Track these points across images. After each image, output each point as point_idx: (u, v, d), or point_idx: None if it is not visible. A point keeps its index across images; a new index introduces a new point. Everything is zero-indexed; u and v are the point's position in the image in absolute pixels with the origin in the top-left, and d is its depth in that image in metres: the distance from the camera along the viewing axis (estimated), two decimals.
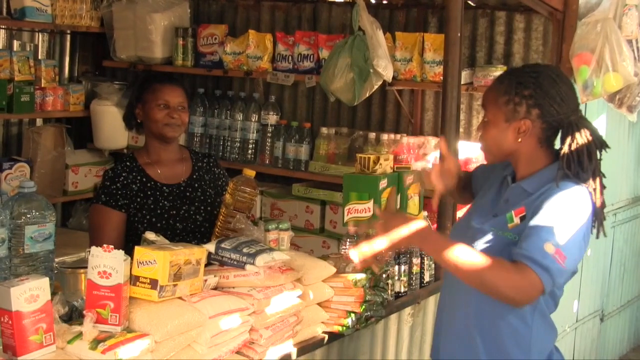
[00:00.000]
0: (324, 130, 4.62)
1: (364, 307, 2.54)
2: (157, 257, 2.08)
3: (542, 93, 2.13)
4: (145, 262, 2.09)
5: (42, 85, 4.86)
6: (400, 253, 2.91)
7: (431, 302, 3.06)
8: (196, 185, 3.07)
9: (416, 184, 3.01)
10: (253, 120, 4.85)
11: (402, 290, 2.93)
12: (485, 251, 2.10)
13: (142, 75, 4.99)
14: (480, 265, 2.01)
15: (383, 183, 2.85)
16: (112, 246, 2.05)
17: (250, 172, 2.74)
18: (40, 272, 2.36)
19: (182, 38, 5.00)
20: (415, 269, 2.99)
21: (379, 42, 3.88)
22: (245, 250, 2.32)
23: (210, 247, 2.35)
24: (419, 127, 4.54)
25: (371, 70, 3.88)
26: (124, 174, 2.99)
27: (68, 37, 5.50)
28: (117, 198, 2.96)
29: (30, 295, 1.86)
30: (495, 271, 2.00)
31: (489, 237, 2.18)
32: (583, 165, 2.10)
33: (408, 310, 2.98)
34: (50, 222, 2.48)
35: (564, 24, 3.92)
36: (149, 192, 2.99)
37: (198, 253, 2.21)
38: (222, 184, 3.14)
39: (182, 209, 3.00)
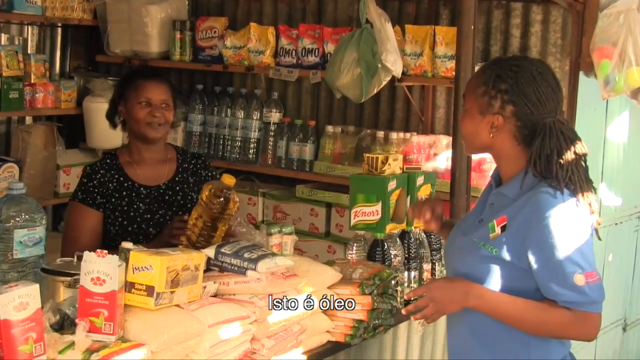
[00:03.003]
0: (330, 128, 4.60)
1: (371, 315, 2.51)
2: (154, 263, 2.06)
3: (518, 90, 2.14)
4: (141, 267, 2.07)
5: (32, 82, 4.84)
6: (410, 258, 2.90)
7: None
8: (177, 188, 3.05)
9: (427, 186, 2.98)
10: (255, 118, 4.83)
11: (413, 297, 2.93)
12: (464, 267, 2.24)
13: (126, 71, 4.97)
14: (541, 324, 2.14)
15: (392, 184, 2.83)
16: (106, 251, 2.04)
17: (229, 180, 2.64)
18: (30, 278, 2.35)
19: (180, 31, 4.98)
20: (426, 274, 2.98)
21: (388, 35, 3.86)
22: (246, 255, 2.30)
23: (210, 252, 2.33)
24: (430, 125, 4.51)
25: (379, 66, 3.87)
26: (101, 172, 3.00)
27: (59, 30, 5.50)
28: (94, 196, 2.97)
29: (20, 302, 1.85)
30: (557, 327, 2.14)
31: (471, 250, 2.23)
32: (551, 169, 2.12)
33: None
34: (41, 225, 2.46)
35: (584, 16, 3.85)
36: (124, 193, 2.99)
37: (197, 258, 2.19)
38: None
39: (157, 213, 2.99)
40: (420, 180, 2.97)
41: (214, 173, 3.19)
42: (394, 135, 4.37)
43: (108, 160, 3.05)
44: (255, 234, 2.51)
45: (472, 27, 3.17)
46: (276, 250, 2.50)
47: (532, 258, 2.11)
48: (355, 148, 4.53)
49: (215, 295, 2.30)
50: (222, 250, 2.34)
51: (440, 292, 2.19)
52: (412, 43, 4.22)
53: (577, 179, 2.13)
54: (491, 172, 2.42)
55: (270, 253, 2.39)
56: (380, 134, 4.42)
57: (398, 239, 2.89)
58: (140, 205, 2.98)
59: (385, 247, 2.79)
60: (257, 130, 4.83)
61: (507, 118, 2.15)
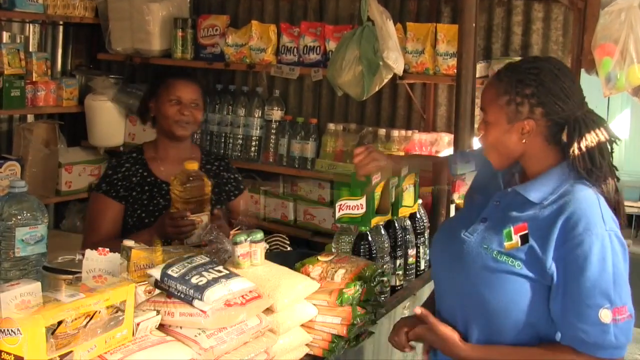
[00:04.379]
0: (331, 126, 4.53)
1: (351, 330, 2.24)
2: (22, 324, 1.52)
3: (545, 91, 2.02)
4: (7, 331, 1.56)
5: (34, 80, 4.82)
6: (396, 246, 2.82)
7: (426, 291, 2.90)
8: None
9: (411, 175, 2.87)
10: (256, 116, 4.76)
11: (398, 283, 2.83)
12: (478, 283, 2.02)
13: (128, 69, 4.97)
14: None
15: (376, 177, 2.69)
16: (108, 249, 2.02)
17: (191, 166, 2.70)
18: (32, 276, 2.30)
19: (181, 29, 4.91)
20: (411, 260, 2.92)
21: (389, 33, 3.80)
22: (194, 280, 1.88)
23: (156, 272, 1.94)
24: (432, 123, 4.46)
25: (381, 63, 3.79)
26: (126, 165, 3.02)
27: (61, 28, 5.43)
28: (117, 189, 2.99)
29: (22, 300, 1.81)
30: None
31: (481, 260, 2.01)
32: (595, 162, 1.99)
33: (403, 304, 2.85)
34: (42, 223, 2.40)
35: (586, 14, 3.76)
36: (146, 187, 3.00)
37: (119, 294, 1.72)
38: (230, 188, 3.10)
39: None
40: (404, 170, 2.85)
41: (236, 175, 3.19)
42: (395, 133, 4.32)
43: (134, 154, 3.08)
44: (225, 243, 2.31)
45: (474, 24, 3.11)
46: (243, 260, 2.18)
47: (554, 278, 1.91)
48: (356, 146, 4.41)
49: (162, 325, 1.90)
50: (169, 272, 1.91)
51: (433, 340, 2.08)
52: (413, 41, 4.16)
53: (612, 170, 2.01)
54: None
55: (225, 275, 1.95)
56: (382, 131, 4.36)
57: (383, 229, 2.76)
58: (161, 200, 2.98)
59: (370, 239, 2.68)
60: (258, 128, 4.76)
61: (537, 120, 2.03)
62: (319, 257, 2.45)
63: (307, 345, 2.23)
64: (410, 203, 2.94)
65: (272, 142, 4.73)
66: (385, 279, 2.56)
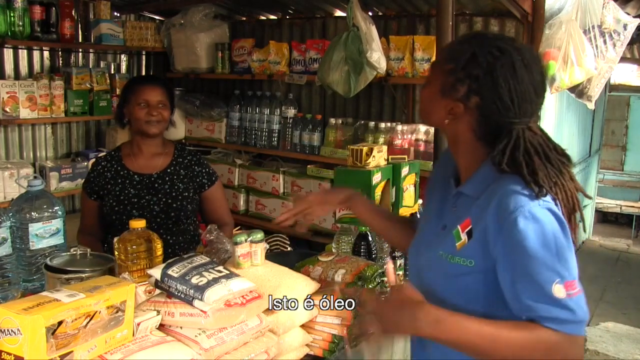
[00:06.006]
0: (332, 120, 3.72)
1: (351, 331, 1.46)
2: (22, 324, 0.96)
3: (491, 82, 1.10)
4: (7, 330, 0.97)
5: (117, 93, 4.08)
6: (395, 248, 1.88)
7: None
8: (167, 178, 2.20)
9: (412, 175, 1.95)
10: (276, 114, 3.95)
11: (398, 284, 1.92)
12: (441, 290, 1.20)
13: (190, 83, 4.20)
14: (517, 351, 1.08)
15: (377, 177, 1.80)
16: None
17: (137, 224, 1.48)
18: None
19: (221, 51, 4.14)
20: None
21: (372, 36, 2.90)
22: (194, 280, 1.22)
23: (156, 272, 1.26)
24: (411, 116, 3.59)
25: (365, 63, 2.94)
26: (103, 163, 2.24)
27: (143, 56, 4.68)
28: (91, 186, 2.23)
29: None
30: (539, 353, 1.06)
31: (441, 267, 1.21)
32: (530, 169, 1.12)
33: None
34: (57, 218, 1.71)
35: (533, 26, 3.05)
36: (119, 180, 2.19)
37: (119, 294, 1.12)
38: (203, 181, 2.26)
39: (144, 198, 2.16)
40: (405, 170, 1.94)
41: (207, 169, 2.31)
42: (382, 124, 3.48)
43: (113, 152, 2.29)
44: (225, 243, 1.53)
45: (450, 23, 2.14)
46: (243, 260, 1.44)
47: (498, 267, 1.11)
48: (352, 135, 3.64)
49: (162, 325, 1.25)
50: (169, 272, 1.25)
51: (388, 312, 1.17)
52: (395, 50, 3.29)
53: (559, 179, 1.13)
54: (439, 161, 1.37)
55: (225, 275, 1.26)
56: (372, 124, 3.52)
57: None
58: (131, 190, 2.17)
59: (370, 239, 1.78)
60: (278, 123, 3.95)
61: (469, 109, 1.16)
62: (319, 257, 1.65)
63: (307, 345, 1.48)
64: (410, 203, 2.02)
65: (288, 134, 3.90)
66: (385, 279, 1.66)
